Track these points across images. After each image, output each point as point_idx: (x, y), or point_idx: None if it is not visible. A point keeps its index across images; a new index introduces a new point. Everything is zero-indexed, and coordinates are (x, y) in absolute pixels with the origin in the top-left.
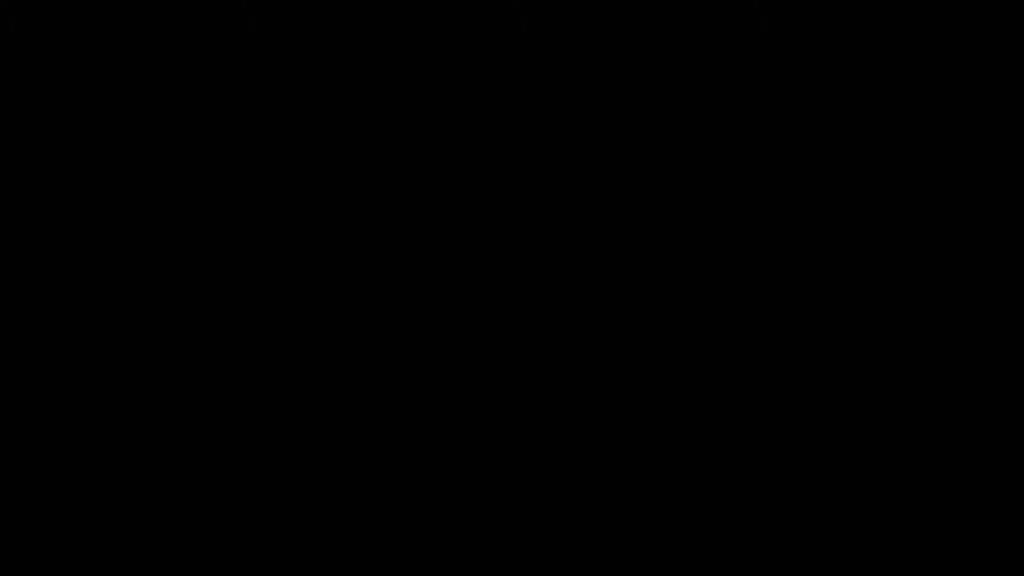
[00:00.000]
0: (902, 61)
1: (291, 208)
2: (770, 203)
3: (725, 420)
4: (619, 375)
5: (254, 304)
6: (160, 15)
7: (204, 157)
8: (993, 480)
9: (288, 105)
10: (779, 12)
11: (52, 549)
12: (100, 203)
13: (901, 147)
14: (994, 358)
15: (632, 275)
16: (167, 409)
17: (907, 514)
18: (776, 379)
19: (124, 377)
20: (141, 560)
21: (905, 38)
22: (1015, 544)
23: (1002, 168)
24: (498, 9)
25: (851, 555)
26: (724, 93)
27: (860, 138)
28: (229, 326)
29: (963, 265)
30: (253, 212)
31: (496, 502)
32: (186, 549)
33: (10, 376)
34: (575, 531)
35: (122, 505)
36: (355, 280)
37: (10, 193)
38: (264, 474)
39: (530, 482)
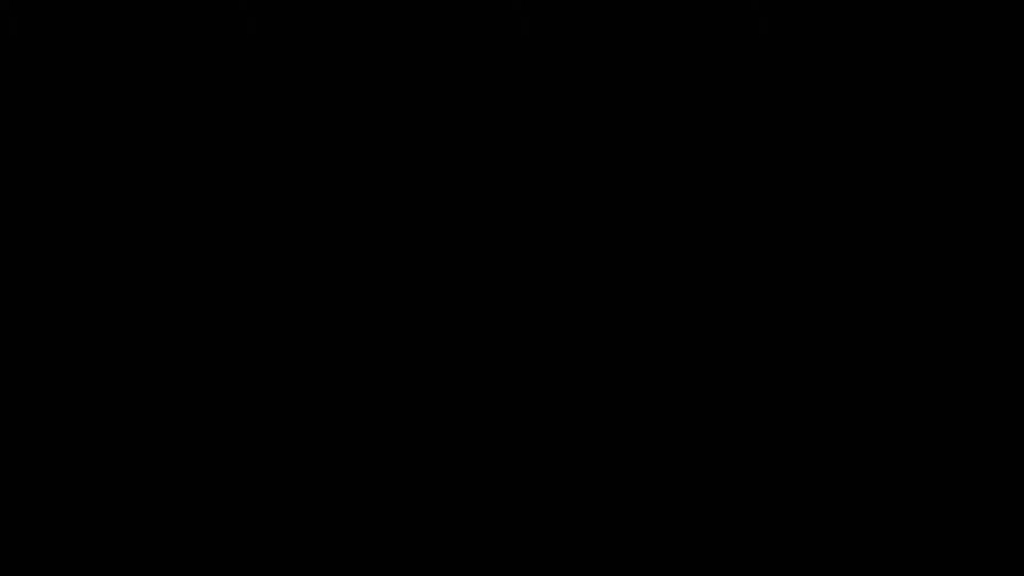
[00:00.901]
0: (902, 61)
1: (291, 208)
2: (770, 203)
3: (725, 420)
4: (619, 374)
5: (254, 303)
6: (160, 15)
7: (204, 157)
8: (993, 480)
9: (288, 105)
10: (779, 12)
11: (52, 549)
12: (100, 203)
13: (901, 147)
14: (994, 358)
15: (632, 274)
16: (167, 409)
17: (907, 514)
18: (776, 378)
19: (124, 377)
20: (141, 560)
21: (905, 38)
22: (1015, 544)
23: (1002, 168)
24: (498, 9)
25: (851, 555)
26: (724, 93)
27: (860, 138)
28: (229, 325)
29: (963, 265)
30: (253, 212)
31: (496, 502)
32: (186, 549)
33: (10, 376)
34: (575, 531)
35: (122, 505)
36: (355, 279)
37: (10, 193)
38: (264, 474)
39: (530, 482)
